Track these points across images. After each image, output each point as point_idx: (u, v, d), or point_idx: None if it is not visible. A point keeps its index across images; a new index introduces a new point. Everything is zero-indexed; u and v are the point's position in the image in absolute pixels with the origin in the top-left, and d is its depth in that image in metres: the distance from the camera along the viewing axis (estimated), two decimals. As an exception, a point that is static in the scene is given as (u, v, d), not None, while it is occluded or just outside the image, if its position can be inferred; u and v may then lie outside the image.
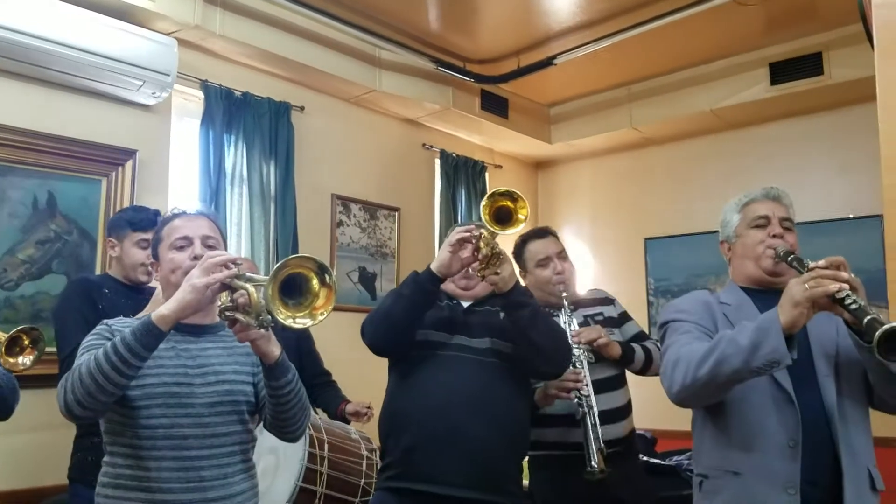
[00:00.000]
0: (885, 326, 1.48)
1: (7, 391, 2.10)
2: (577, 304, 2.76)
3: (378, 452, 2.78)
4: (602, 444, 2.39)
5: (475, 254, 2.19)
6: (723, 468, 1.85)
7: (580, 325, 2.66)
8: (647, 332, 3.03)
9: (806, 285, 1.62)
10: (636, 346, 2.75)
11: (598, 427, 2.43)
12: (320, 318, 1.60)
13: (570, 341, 2.48)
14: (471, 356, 2.27)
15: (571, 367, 2.49)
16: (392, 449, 2.28)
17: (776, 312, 1.65)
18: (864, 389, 1.84)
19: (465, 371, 2.24)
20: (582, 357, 2.53)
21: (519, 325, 2.22)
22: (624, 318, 2.87)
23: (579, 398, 2.46)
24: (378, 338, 2.28)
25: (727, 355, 1.69)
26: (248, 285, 1.65)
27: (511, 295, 2.21)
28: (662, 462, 3.51)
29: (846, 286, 1.60)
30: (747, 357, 1.65)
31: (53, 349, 2.56)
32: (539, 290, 2.69)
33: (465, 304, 2.40)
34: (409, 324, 2.24)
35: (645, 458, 3.43)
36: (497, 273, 2.18)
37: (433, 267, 2.19)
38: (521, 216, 2.19)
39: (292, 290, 1.58)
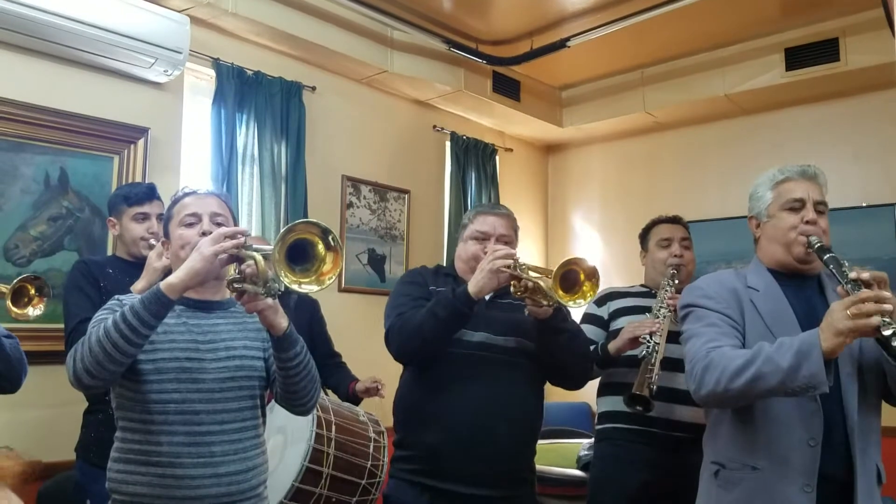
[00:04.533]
0: None
1: (14, 360, 2.07)
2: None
3: (385, 435, 2.80)
4: (654, 381, 2.34)
5: (515, 282, 2.12)
6: (741, 461, 1.82)
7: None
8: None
9: (848, 312, 1.57)
10: None
11: (657, 370, 2.37)
12: (328, 282, 1.62)
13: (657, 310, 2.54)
14: (498, 356, 2.25)
15: (652, 317, 2.53)
16: (413, 443, 2.28)
17: (817, 336, 1.60)
18: (881, 386, 1.82)
19: (493, 372, 2.23)
20: (666, 313, 2.53)
21: (550, 347, 2.21)
22: None
23: (648, 341, 2.44)
24: (407, 352, 2.28)
25: (764, 374, 1.65)
26: (255, 254, 1.66)
27: (550, 321, 2.16)
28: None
29: (889, 310, 1.54)
30: (784, 379, 1.62)
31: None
32: (652, 268, 2.80)
33: (487, 297, 2.34)
34: (441, 342, 2.21)
35: None
36: (539, 305, 2.11)
37: (470, 290, 2.12)
38: (585, 290, 2.06)
39: (299, 256, 1.60)
